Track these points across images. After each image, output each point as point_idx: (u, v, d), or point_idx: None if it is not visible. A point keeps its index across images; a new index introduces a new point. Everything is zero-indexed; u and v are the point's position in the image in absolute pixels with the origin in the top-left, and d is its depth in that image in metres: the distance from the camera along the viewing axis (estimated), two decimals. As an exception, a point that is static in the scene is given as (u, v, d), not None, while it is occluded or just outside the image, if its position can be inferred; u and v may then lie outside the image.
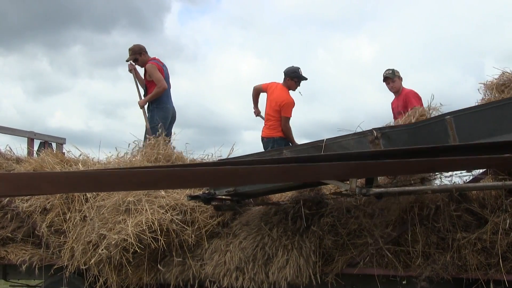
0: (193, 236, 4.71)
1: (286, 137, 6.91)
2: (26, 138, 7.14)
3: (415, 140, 3.95)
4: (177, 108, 7.25)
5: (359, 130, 4.18)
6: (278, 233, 4.55)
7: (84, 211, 5.15)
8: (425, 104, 5.00)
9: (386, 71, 6.66)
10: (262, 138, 7.02)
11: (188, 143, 6.18)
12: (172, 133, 6.86)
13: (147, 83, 7.05)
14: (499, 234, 4.04)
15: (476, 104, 4.36)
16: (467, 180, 4.46)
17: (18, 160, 6.39)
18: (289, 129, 6.89)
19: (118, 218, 4.78)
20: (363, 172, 3.14)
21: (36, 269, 5.21)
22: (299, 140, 6.98)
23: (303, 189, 4.85)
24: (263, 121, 7.16)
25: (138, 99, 7.02)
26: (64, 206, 5.23)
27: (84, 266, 4.87)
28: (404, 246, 4.30)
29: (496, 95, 4.41)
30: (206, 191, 4.42)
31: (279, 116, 6.87)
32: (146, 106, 6.99)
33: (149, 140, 6.03)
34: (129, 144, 6.01)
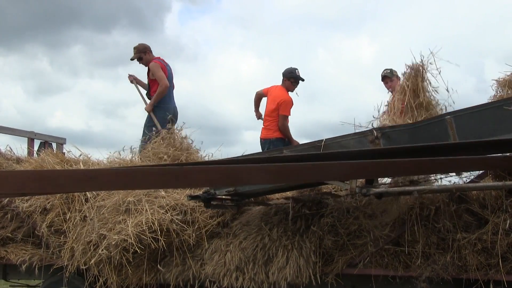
0: (193, 236, 4.71)
1: (284, 135, 6.92)
2: (26, 138, 7.14)
3: (415, 140, 3.96)
4: (177, 108, 7.26)
5: (357, 125, 4.23)
6: (278, 233, 4.55)
7: (84, 211, 5.14)
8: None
9: (384, 70, 6.74)
10: (260, 140, 7.06)
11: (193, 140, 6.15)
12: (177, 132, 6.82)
13: (150, 82, 7.07)
14: (499, 234, 4.03)
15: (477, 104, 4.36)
16: (467, 180, 4.46)
17: (18, 160, 6.39)
18: (286, 127, 6.91)
19: (118, 218, 4.78)
20: (365, 173, 3.14)
21: (36, 269, 5.20)
22: (299, 140, 6.99)
23: (303, 189, 4.85)
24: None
25: (144, 105, 7.01)
26: (64, 206, 5.23)
27: (84, 266, 4.86)
28: (404, 247, 4.30)
29: (509, 91, 4.42)
30: (206, 191, 4.43)
31: (276, 116, 6.91)
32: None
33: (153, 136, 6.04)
34: (131, 147, 6.03)
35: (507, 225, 4.00)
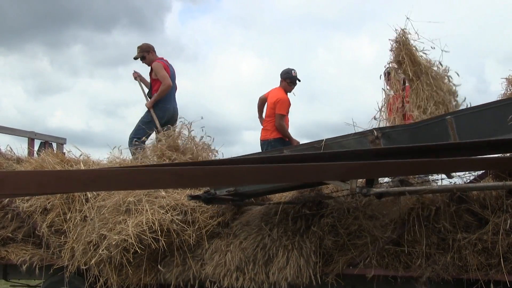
0: (193, 236, 4.71)
1: (283, 135, 6.95)
2: (27, 138, 7.15)
3: (415, 140, 3.95)
4: (178, 108, 7.26)
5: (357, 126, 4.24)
6: (279, 234, 4.55)
7: (84, 211, 5.15)
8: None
9: (387, 68, 6.65)
10: (260, 142, 7.10)
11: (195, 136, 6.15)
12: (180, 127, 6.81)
13: (152, 82, 7.08)
14: (499, 234, 4.03)
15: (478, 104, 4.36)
16: (468, 181, 4.46)
17: (19, 160, 6.40)
18: (283, 126, 6.94)
19: (118, 218, 4.78)
20: (365, 173, 3.14)
21: (37, 269, 5.20)
22: (299, 140, 7.00)
23: (303, 189, 4.85)
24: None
25: (146, 102, 7.03)
26: (64, 206, 5.23)
27: (85, 266, 4.87)
28: (405, 247, 4.30)
29: None
30: (207, 191, 4.43)
31: (274, 116, 6.96)
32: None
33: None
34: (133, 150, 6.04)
35: (508, 225, 4.00)
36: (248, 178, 2.51)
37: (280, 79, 7.23)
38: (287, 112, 7.14)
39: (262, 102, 7.42)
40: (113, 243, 4.61)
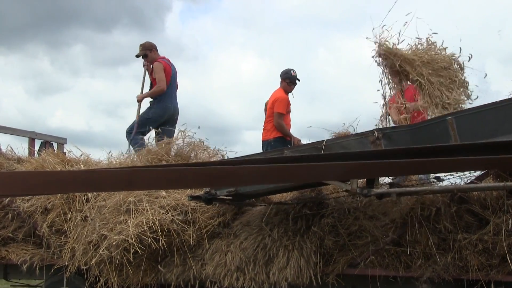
0: (194, 236, 4.71)
1: (282, 133, 6.96)
2: (27, 138, 7.16)
3: (416, 141, 3.95)
4: (178, 108, 7.26)
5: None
6: (279, 234, 4.55)
7: (85, 211, 5.15)
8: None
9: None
10: (262, 142, 7.14)
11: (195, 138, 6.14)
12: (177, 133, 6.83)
13: (153, 81, 7.10)
14: (500, 235, 4.03)
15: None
16: (468, 181, 4.46)
17: (19, 160, 6.40)
18: (281, 125, 6.97)
19: (119, 219, 4.78)
20: (365, 173, 3.14)
21: (37, 269, 5.20)
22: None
23: (304, 190, 4.85)
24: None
25: (139, 93, 7.08)
26: (65, 206, 5.23)
27: (85, 266, 4.87)
28: (405, 247, 4.30)
29: None
30: (207, 191, 4.43)
31: (272, 117, 7.00)
32: (145, 101, 7.06)
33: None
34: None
35: (510, 226, 4.00)
36: (248, 179, 2.51)
37: (280, 79, 7.26)
38: (287, 111, 7.15)
39: (266, 106, 7.47)
40: (114, 243, 4.61)
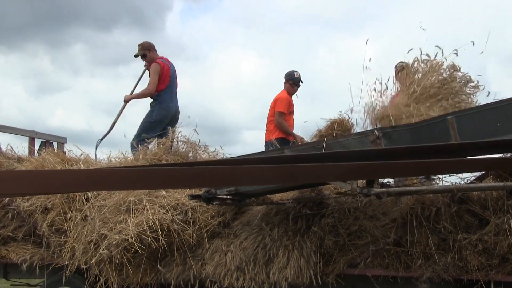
0: (194, 236, 4.71)
1: (283, 132, 6.98)
2: (27, 137, 7.16)
3: (416, 140, 3.95)
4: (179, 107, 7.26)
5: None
6: (279, 234, 4.55)
7: (85, 210, 5.15)
8: None
9: (400, 62, 6.56)
10: (264, 144, 7.18)
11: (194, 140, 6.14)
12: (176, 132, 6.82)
13: None
14: (500, 235, 4.03)
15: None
16: (468, 181, 4.46)
17: (19, 159, 6.40)
18: (282, 124, 7.00)
19: (119, 218, 4.78)
20: (365, 173, 3.14)
21: (37, 268, 5.21)
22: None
23: (304, 189, 4.85)
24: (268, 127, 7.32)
25: (129, 93, 7.08)
26: (65, 206, 5.23)
27: (85, 265, 4.87)
28: (405, 247, 4.30)
29: None
30: (207, 191, 4.43)
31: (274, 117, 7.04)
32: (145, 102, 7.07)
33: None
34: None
35: (511, 225, 4.00)
36: (249, 178, 2.51)
37: (284, 81, 7.31)
38: (290, 112, 7.17)
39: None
40: (114, 242, 4.61)
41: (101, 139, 6.56)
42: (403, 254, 4.31)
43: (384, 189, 4.11)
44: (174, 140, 5.89)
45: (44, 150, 6.41)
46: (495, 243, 4.02)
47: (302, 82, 7.30)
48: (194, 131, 5.83)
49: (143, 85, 7.24)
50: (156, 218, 4.62)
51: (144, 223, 4.60)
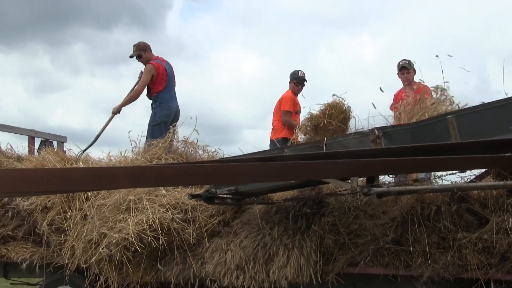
0: (194, 235, 4.71)
1: (292, 129, 6.99)
2: (27, 137, 7.16)
3: (416, 140, 3.95)
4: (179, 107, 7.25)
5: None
6: (279, 232, 4.55)
7: (84, 209, 5.15)
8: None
9: (402, 60, 6.41)
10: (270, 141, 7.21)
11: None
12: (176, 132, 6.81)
13: (149, 83, 7.05)
14: (500, 234, 4.04)
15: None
16: (468, 180, 4.46)
17: (19, 158, 6.40)
18: (289, 121, 7.05)
19: (118, 217, 4.78)
20: (365, 171, 3.15)
21: (37, 267, 5.21)
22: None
23: (304, 188, 4.85)
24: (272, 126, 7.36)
25: (119, 103, 7.00)
26: (65, 205, 5.23)
27: (85, 264, 4.87)
28: (405, 246, 4.30)
29: None
30: (207, 190, 4.43)
31: (280, 116, 7.06)
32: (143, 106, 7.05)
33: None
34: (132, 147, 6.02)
35: (510, 224, 4.00)
36: (248, 177, 2.51)
37: (289, 81, 7.35)
38: (295, 111, 7.17)
39: None
40: (113, 241, 4.61)
41: (84, 151, 6.45)
42: (403, 253, 4.31)
43: (384, 188, 4.12)
44: (174, 140, 5.89)
45: (43, 149, 6.41)
46: (495, 242, 4.03)
47: (306, 81, 7.31)
48: (194, 131, 5.83)
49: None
50: (156, 217, 4.62)
51: (144, 222, 4.60)
